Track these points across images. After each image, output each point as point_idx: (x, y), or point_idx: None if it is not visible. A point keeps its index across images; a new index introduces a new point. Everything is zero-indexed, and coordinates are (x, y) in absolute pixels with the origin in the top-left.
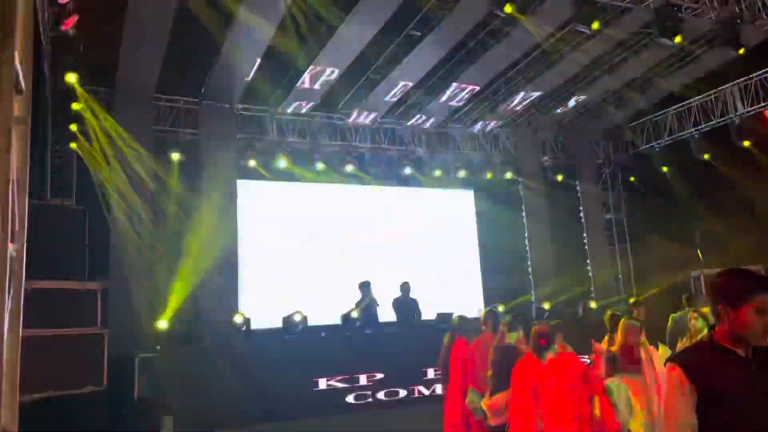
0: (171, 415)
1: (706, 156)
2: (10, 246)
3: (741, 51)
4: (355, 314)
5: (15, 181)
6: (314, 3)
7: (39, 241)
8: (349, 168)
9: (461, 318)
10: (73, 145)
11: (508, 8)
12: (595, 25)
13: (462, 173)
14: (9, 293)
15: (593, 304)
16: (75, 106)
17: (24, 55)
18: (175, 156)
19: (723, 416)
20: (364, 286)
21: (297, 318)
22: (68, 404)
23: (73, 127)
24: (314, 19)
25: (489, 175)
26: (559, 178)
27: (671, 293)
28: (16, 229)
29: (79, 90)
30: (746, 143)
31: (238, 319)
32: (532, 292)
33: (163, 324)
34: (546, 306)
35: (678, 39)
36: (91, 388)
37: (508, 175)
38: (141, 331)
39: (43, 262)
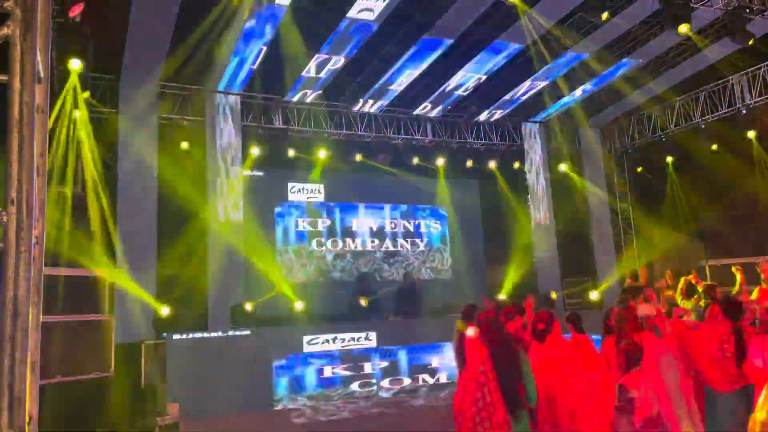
0: (176, 401)
1: (713, 146)
2: (34, 232)
3: (750, 42)
4: (363, 303)
5: (37, 168)
6: None
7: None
8: (355, 157)
9: (470, 306)
10: (79, 132)
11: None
12: (605, 15)
13: (468, 163)
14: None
15: (597, 294)
16: (82, 93)
17: (43, 43)
18: (183, 144)
19: None
20: (363, 279)
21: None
22: (75, 390)
23: (83, 115)
24: (321, 7)
25: (494, 165)
26: (565, 168)
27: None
28: (37, 215)
29: (90, 76)
30: (751, 134)
31: (247, 307)
32: (537, 282)
33: (164, 312)
34: (553, 296)
35: (686, 29)
36: (98, 373)
37: (515, 164)
38: (148, 319)
39: (49, 249)
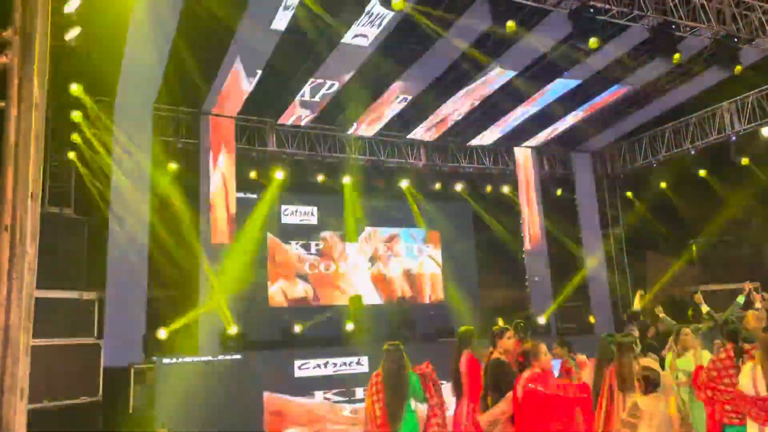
0: (165, 426)
1: (702, 172)
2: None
3: (738, 69)
4: (350, 325)
5: (31, 194)
6: (316, 16)
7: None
8: (349, 180)
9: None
10: (71, 154)
11: (510, 25)
12: (594, 43)
13: (460, 186)
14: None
15: (591, 319)
16: (75, 116)
17: (41, 70)
18: (173, 166)
19: None
20: (355, 302)
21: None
22: (63, 414)
23: (76, 138)
24: (316, 32)
25: (488, 189)
26: (558, 192)
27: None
28: (29, 240)
29: (85, 99)
30: (744, 161)
31: (232, 330)
32: (530, 305)
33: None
34: (544, 319)
35: (676, 57)
36: (86, 398)
37: (507, 188)
38: (137, 342)
39: (40, 271)
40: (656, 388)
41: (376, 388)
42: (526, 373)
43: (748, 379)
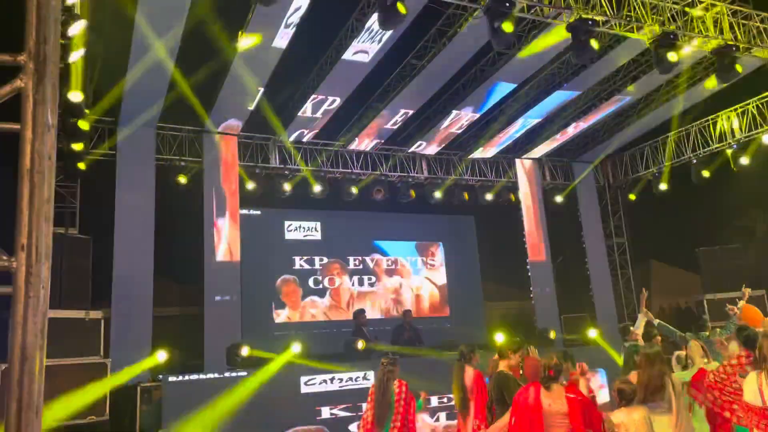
0: None
1: (705, 173)
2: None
3: (738, 69)
4: (361, 345)
5: (45, 214)
6: (316, 33)
7: None
8: (351, 195)
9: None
10: (80, 165)
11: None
12: (596, 44)
13: (463, 199)
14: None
15: (589, 329)
16: (82, 126)
17: (53, 93)
18: (180, 184)
19: None
20: (359, 314)
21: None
22: None
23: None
24: (317, 50)
25: (490, 200)
26: (560, 202)
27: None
28: (43, 260)
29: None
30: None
31: (244, 351)
32: (536, 318)
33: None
34: (551, 335)
35: (675, 57)
36: (93, 418)
37: (509, 200)
38: (144, 361)
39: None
40: (630, 403)
41: (371, 397)
42: (556, 387)
43: (754, 387)
